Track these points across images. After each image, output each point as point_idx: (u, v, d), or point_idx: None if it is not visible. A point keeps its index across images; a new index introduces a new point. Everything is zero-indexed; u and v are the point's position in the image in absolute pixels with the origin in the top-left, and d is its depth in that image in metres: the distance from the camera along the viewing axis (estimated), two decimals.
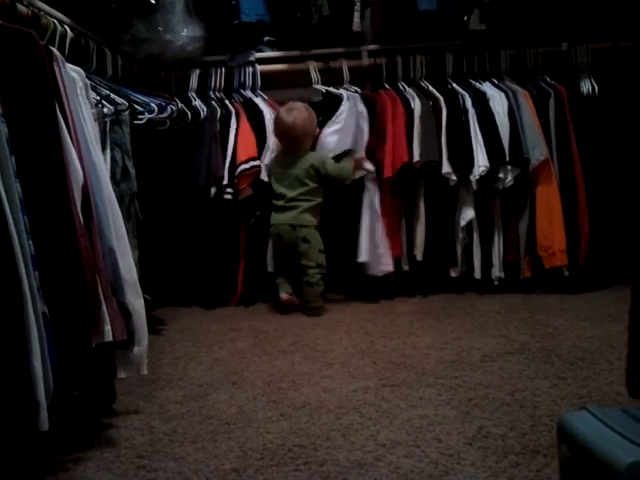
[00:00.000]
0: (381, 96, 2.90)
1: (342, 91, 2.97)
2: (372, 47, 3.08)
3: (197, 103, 2.98)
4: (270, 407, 1.73)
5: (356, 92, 2.97)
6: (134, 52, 2.79)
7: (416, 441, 1.49)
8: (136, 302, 1.65)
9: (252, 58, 3.07)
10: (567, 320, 2.37)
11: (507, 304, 2.64)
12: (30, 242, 1.32)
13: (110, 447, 1.54)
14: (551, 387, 1.76)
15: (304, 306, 2.73)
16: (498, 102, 2.80)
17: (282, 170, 2.82)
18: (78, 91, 1.67)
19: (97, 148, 1.69)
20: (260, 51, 3.12)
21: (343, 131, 2.86)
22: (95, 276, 1.47)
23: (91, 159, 1.61)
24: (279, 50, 3.14)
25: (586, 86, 2.87)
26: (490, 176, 2.74)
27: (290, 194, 2.78)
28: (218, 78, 3.04)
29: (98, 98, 2.05)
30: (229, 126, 2.89)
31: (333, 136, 2.86)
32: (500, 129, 2.76)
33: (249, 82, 3.04)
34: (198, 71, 3.04)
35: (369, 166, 2.80)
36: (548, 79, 2.91)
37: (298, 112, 2.76)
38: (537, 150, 2.72)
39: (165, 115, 2.55)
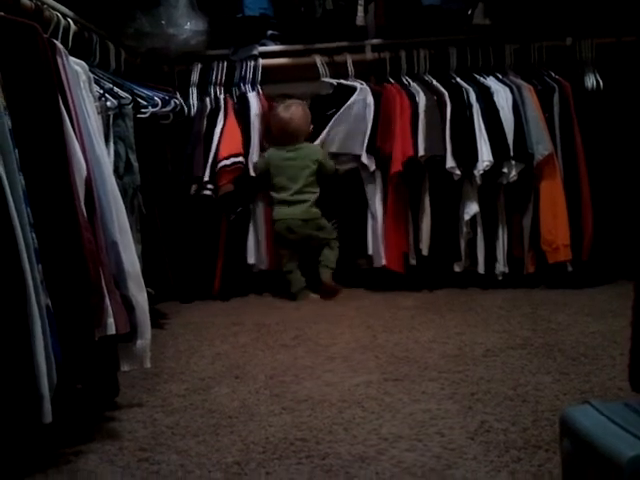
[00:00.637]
0: (387, 89, 2.90)
1: (355, 82, 2.97)
2: (376, 41, 3.07)
3: (193, 98, 2.98)
4: (272, 401, 1.73)
5: (364, 84, 2.97)
6: (137, 46, 2.79)
7: (418, 435, 1.49)
8: (139, 295, 1.65)
9: (255, 52, 3.06)
10: (570, 315, 2.37)
11: (510, 299, 2.64)
12: (33, 235, 1.33)
13: (113, 440, 1.54)
14: (553, 382, 1.76)
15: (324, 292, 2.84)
16: (502, 97, 2.79)
17: (282, 162, 2.85)
18: (81, 84, 1.67)
19: (100, 141, 1.69)
20: (263, 45, 3.11)
21: (353, 131, 2.86)
22: (98, 269, 1.47)
23: (94, 152, 1.61)
24: (282, 44, 3.13)
25: (590, 81, 2.85)
26: (494, 171, 2.73)
27: (295, 186, 2.83)
28: (219, 72, 3.03)
29: (101, 91, 2.05)
30: (216, 122, 2.90)
31: (340, 134, 2.87)
32: (504, 124, 2.74)
33: (250, 76, 3.03)
34: (200, 65, 3.04)
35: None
36: (552, 74, 2.90)
37: (295, 108, 2.88)
38: (541, 145, 2.71)
39: (168, 109, 2.55)
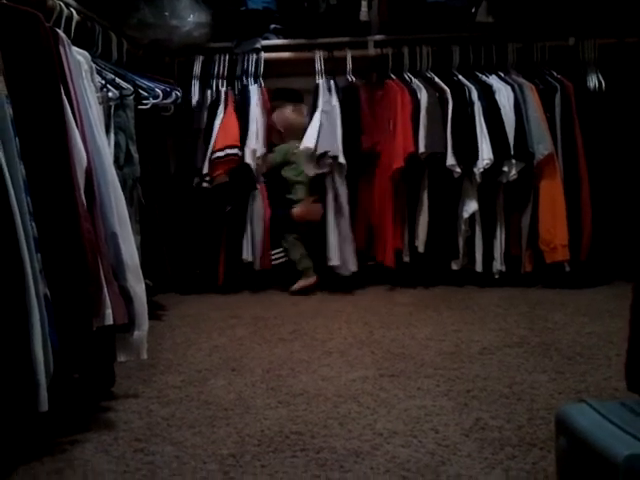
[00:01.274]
0: (387, 85, 2.90)
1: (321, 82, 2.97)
2: (379, 37, 3.07)
3: (194, 91, 2.98)
4: (268, 394, 1.74)
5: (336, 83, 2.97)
6: (140, 37, 2.78)
7: (413, 431, 1.50)
8: (137, 287, 1.65)
9: (258, 45, 3.06)
10: (567, 315, 2.37)
11: (507, 298, 2.64)
12: (33, 224, 1.33)
13: (108, 430, 1.55)
14: (549, 381, 1.76)
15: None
16: (504, 95, 2.79)
17: (291, 158, 2.97)
18: (83, 74, 1.67)
19: (101, 132, 1.69)
20: (266, 39, 3.10)
21: (325, 130, 2.84)
22: (97, 259, 1.47)
23: (95, 142, 1.61)
24: (285, 38, 3.13)
25: (593, 81, 2.85)
26: (494, 169, 2.74)
27: (305, 180, 2.95)
28: (222, 65, 3.03)
29: (103, 82, 2.04)
30: (216, 114, 2.91)
31: (315, 133, 2.85)
32: (505, 123, 2.75)
33: (252, 69, 3.03)
34: (202, 58, 3.03)
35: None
36: (555, 73, 2.90)
37: (301, 109, 3.09)
38: (542, 144, 2.72)
39: (169, 101, 2.54)
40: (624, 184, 2.75)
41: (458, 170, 2.74)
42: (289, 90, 3.12)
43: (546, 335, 2.16)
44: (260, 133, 2.90)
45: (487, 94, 2.80)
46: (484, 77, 2.91)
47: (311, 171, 2.85)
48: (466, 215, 2.79)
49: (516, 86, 2.82)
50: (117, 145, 2.11)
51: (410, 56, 3.00)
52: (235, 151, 2.83)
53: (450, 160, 2.73)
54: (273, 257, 2.95)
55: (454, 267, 2.85)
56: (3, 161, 1.25)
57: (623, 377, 1.27)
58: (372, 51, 3.05)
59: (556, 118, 2.80)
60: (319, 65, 3.01)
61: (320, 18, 2.98)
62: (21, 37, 1.38)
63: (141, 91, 2.32)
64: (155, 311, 2.52)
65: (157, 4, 2.78)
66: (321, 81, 2.97)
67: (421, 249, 2.82)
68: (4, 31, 1.34)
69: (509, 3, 2.94)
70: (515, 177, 2.74)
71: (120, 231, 1.63)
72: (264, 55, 3.04)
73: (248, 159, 2.85)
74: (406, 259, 2.87)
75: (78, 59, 1.65)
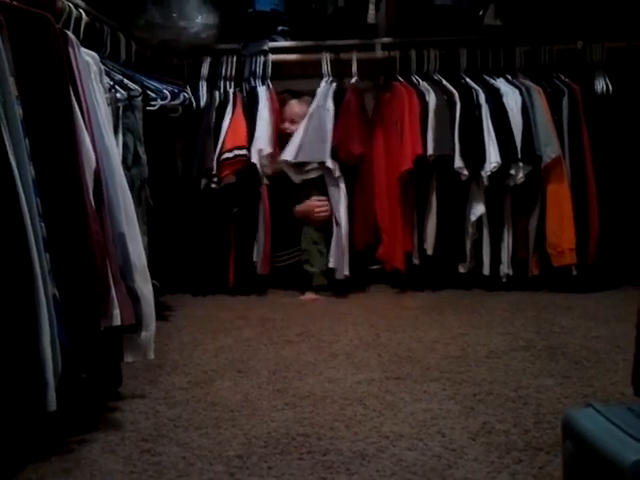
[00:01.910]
0: (395, 88, 2.90)
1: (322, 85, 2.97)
2: (386, 40, 3.07)
3: (202, 92, 2.98)
4: (275, 396, 1.74)
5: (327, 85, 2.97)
6: (148, 37, 2.79)
7: (419, 434, 1.49)
8: (145, 287, 1.66)
9: (265, 47, 3.07)
10: (573, 319, 2.37)
11: (514, 302, 2.64)
12: (42, 224, 1.33)
13: (115, 430, 1.55)
14: (556, 385, 1.76)
15: None
16: (512, 98, 2.79)
17: None
18: (92, 75, 1.67)
19: (110, 133, 1.69)
20: (273, 40, 3.11)
21: (316, 139, 2.84)
22: (105, 260, 1.48)
23: (104, 143, 1.62)
24: (293, 40, 3.13)
25: (600, 85, 2.85)
26: (501, 172, 2.73)
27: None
28: (229, 66, 3.04)
29: (111, 83, 2.05)
30: (224, 115, 2.91)
31: (296, 143, 2.87)
32: (513, 126, 2.75)
33: (260, 71, 3.03)
34: (210, 59, 3.04)
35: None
36: (562, 77, 2.89)
37: (305, 103, 3.02)
38: (549, 148, 2.71)
39: (177, 102, 2.55)
40: (632, 188, 2.74)
41: (466, 173, 2.74)
42: (295, 92, 3.11)
43: (553, 339, 2.15)
44: (268, 134, 2.88)
45: (495, 97, 2.80)
46: (492, 80, 2.90)
47: (296, 178, 2.87)
48: (473, 218, 2.79)
49: (524, 89, 2.82)
50: (125, 146, 2.12)
51: (418, 59, 2.99)
52: (243, 152, 2.83)
53: (458, 163, 2.73)
54: (281, 259, 2.94)
55: (461, 270, 2.85)
56: (13, 162, 1.26)
57: (630, 382, 1.28)
58: (379, 54, 3.05)
59: (563, 121, 2.79)
60: (326, 67, 3.01)
61: (327, 20, 2.98)
62: (31, 38, 1.39)
63: (149, 92, 2.33)
64: (162, 312, 2.52)
65: (165, 5, 2.79)
66: (322, 84, 2.97)
67: (430, 252, 2.82)
68: (14, 32, 1.34)
69: (517, 6, 2.93)
70: (522, 180, 2.74)
71: (128, 232, 1.63)
72: (271, 57, 3.04)
73: (254, 159, 2.85)
74: (416, 262, 2.87)
75: (87, 60, 1.66)
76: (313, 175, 2.86)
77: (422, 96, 2.84)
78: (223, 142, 2.86)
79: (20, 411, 1.28)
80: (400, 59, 3.01)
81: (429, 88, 2.87)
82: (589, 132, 2.77)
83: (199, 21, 2.87)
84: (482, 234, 2.82)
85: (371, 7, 2.95)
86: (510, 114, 2.76)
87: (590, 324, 2.30)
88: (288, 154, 2.84)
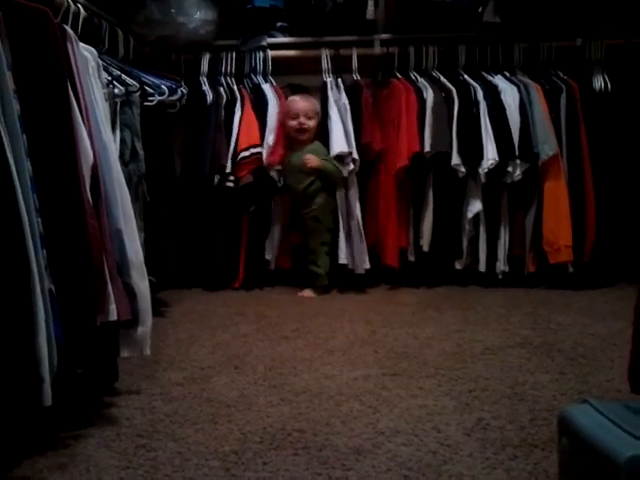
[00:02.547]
0: (394, 84, 2.90)
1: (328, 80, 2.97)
2: (385, 36, 3.06)
3: (206, 88, 2.97)
4: (271, 392, 1.74)
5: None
6: (147, 33, 2.79)
7: (415, 430, 1.50)
8: (141, 283, 1.66)
9: (264, 43, 3.06)
10: (569, 316, 2.37)
11: (510, 298, 2.65)
12: (39, 220, 1.33)
13: (111, 425, 1.55)
14: (551, 382, 1.77)
15: None
16: (510, 95, 2.79)
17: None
18: (90, 71, 1.67)
19: (107, 128, 1.69)
20: (272, 37, 3.10)
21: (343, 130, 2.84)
22: (102, 256, 1.48)
23: (101, 139, 1.62)
24: (291, 36, 3.12)
25: (599, 82, 2.85)
26: (499, 169, 2.74)
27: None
28: (229, 63, 3.03)
29: (109, 78, 2.05)
30: (234, 113, 2.90)
31: (341, 135, 2.83)
32: (511, 123, 2.75)
33: (260, 67, 3.03)
34: (209, 55, 3.03)
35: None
36: (561, 74, 2.89)
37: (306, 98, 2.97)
38: (547, 145, 2.71)
39: (175, 98, 2.55)
40: (628, 186, 2.75)
41: (463, 170, 2.74)
42: (296, 86, 3.10)
43: (549, 336, 2.16)
44: (276, 130, 2.89)
45: (493, 94, 2.80)
46: (490, 77, 2.90)
47: (345, 172, 2.80)
48: (470, 215, 2.79)
49: (522, 86, 2.82)
50: (123, 142, 2.11)
51: (416, 55, 2.99)
52: (259, 150, 2.83)
53: (455, 160, 2.73)
54: None
55: (457, 267, 2.85)
56: (10, 157, 1.26)
57: (626, 379, 1.28)
58: (378, 50, 3.05)
59: (561, 119, 2.80)
60: (325, 63, 3.01)
61: (326, 16, 2.98)
62: (29, 33, 1.39)
63: (147, 88, 2.32)
64: (158, 307, 2.52)
65: (164, 1, 2.79)
66: (329, 79, 2.97)
67: (426, 248, 2.83)
68: (13, 27, 1.34)
69: (516, 3, 2.93)
70: (520, 177, 2.74)
71: (125, 228, 1.63)
72: (270, 53, 3.03)
73: (265, 156, 2.85)
74: (411, 258, 2.87)
75: (85, 55, 1.66)
76: (352, 167, 2.80)
77: (420, 93, 2.84)
78: (237, 141, 2.84)
79: (16, 406, 1.28)
80: (398, 55, 3.01)
81: (427, 85, 2.87)
82: (587, 130, 2.77)
83: (198, 17, 2.86)
84: (479, 231, 2.83)
85: (370, 3, 2.95)
86: (508, 111, 2.76)
87: (586, 321, 2.31)
88: (342, 147, 2.77)
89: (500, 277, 2.84)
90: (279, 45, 3.09)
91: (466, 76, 2.91)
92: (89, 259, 1.43)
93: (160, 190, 2.48)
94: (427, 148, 2.75)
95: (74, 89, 1.50)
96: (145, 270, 1.69)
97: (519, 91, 2.80)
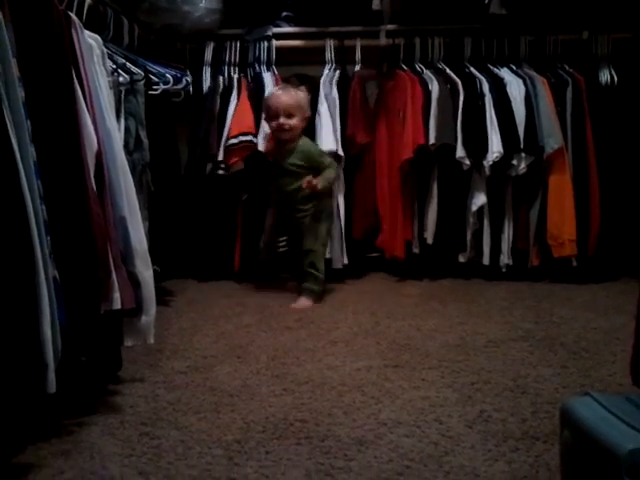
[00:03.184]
0: (398, 76, 2.89)
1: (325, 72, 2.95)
2: (390, 27, 3.04)
3: (205, 77, 2.97)
4: (273, 382, 1.75)
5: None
6: (152, 21, 2.77)
7: (417, 421, 1.50)
8: (145, 272, 1.66)
9: (269, 33, 3.04)
10: (572, 310, 2.37)
11: (514, 291, 2.64)
12: (43, 207, 1.33)
13: (115, 413, 1.56)
14: (554, 375, 1.77)
15: None
16: (515, 88, 2.78)
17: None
18: (95, 58, 1.67)
19: (112, 116, 1.69)
20: (277, 26, 3.08)
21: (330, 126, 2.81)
22: (106, 243, 1.48)
23: (105, 126, 1.61)
24: (297, 26, 3.11)
25: (605, 76, 2.83)
26: (504, 162, 2.73)
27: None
28: (233, 52, 3.02)
29: (114, 66, 2.05)
30: (229, 101, 2.89)
31: (331, 133, 2.81)
32: (516, 116, 2.73)
33: (264, 57, 3.01)
34: (213, 44, 3.02)
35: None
36: (567, 67, 2.88)
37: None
38: (552, 138, 2.70)
39: (180, 87, 2.54)
40: (633, 180, 2.74)
41: (467, 162, 2.73)
42: (303, 76, 3.08)
43: (552, 329, 2.16)
44: None
45: (498, 87, 2.79)
46: (496, 69, 2.88)
47: (340, 170, 2.78)
48: (474, 208, 2.78)
49: (527, 79, 2.80)
50: (127, 130, 2.11)
51: (422, 47, 2.97)
52: (249, 138, 2.80)
53: (460, 152, 2.72)
54: (280, 244, 2.93)
55: (461, 260, 2.85)
56: (15, 144, 1.25)
57: (628, 373, 1.28)
58: (383, 41, 3.03)
59: (567, 112, 2.78)
60: (330, 54, 2.99)
61: (332, 6, 2.96)
62: (34, 20, 1.38)
63: (152, 76, 2.32)
64: (162, 297, 2.52)
65: None
66: (325, 71, 2.95)
67: (430, 241, 2.82)
68: (17, 13, 1.33)
69: None
70: (524, 171, 2.73)
71: (129, 216, 1.63)
72: (275, 42, 3.02)
73: (260, 146, 2.84)
74: (416, 250, 2.87)
75: (90, 43, 1.65)
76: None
77: (425, 85, 2.82)
78: (229, 128, 2.83)
79: (20, 393, 1.29)
80: (404, 47, 2.99)
81: (432, 77, 2.85)
82: (592, 123, 2.76)
83: (203, 5, 2.85)
84: (483, 224, 2.82)
85: None
86: (513, 104, 2.75)
87: (589, 315, 2.30)
88: (332, 145, 2.75)
89: (504, 270, 2.83)
90: (284, 35, 3.07)
91: (472, 68, 2.89)
92: (93, 247, 1.43)
93: (164, 180, 2.48)
94: (432, 140, 2.74)
95: (78, 76, 1.49)
96: (149, 259, 1.69)
97: (525, 84, 2.79)
